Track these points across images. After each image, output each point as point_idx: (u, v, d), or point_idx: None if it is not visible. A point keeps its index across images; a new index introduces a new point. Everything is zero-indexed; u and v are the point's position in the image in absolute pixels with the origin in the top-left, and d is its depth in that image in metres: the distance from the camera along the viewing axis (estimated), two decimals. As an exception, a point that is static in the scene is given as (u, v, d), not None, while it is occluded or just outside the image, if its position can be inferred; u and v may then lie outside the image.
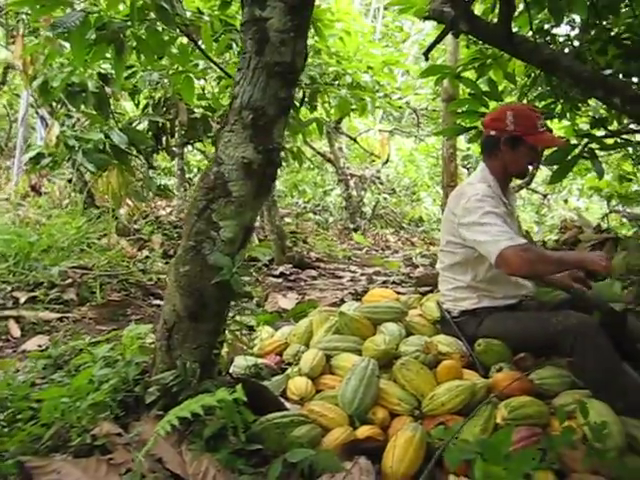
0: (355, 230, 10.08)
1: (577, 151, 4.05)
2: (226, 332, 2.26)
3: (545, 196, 11.57)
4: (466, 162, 10.60)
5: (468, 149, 10.22)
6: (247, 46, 1.98)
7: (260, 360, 2.67)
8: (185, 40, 4.68)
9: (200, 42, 4.65)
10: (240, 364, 2.54)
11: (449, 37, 6.63)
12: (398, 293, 3.67)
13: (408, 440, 1.98)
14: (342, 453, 1.99)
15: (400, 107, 8.18)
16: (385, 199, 11.73)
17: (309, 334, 2.86)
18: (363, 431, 2.12)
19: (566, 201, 11.65)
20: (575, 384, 2.39)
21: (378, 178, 11.21)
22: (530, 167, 2.77)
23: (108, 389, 2.08)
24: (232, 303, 2.21)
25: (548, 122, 5.96)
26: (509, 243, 2.33)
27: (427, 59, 4.18)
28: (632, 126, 5.16)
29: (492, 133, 2.72)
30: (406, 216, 12.06)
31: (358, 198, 10.52)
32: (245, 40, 2.00)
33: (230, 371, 2.48)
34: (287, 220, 9.92)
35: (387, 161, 11.41)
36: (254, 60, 1.96)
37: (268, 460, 1.90)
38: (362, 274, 5.56)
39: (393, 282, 4.75)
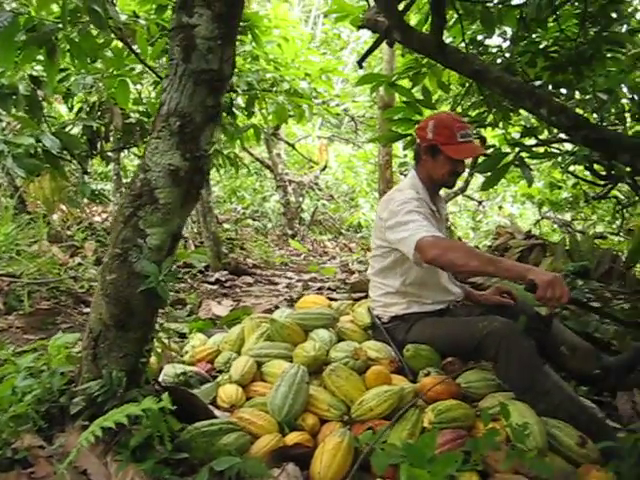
0: (293, 236, 10.08)
1: (509, 159, 4.17)
2: (154, 340, 2.23)
3: (480, 203, 11.81)
4: (403, 169, 10.70)
5: (405, 156, 10.36)
6: (174, 53, 1.97)
7: (191, 368, 2.65)
8: (121, 44, 4.61)
9: (135, 46, 4.59)
10: (170, 372, 2.52)
11: (385, 46, 6.75)
12: (332, 299, 3.69)
13: (336, 446, 2.00)
14: (270, 460, 2.00)
15: (338, 114, 8.23)
16: (324, 205, 11.77)
17: (241, 341, 2.86)
18: (292, 438, 2.13)
19: (500, 207, 11.92)
20: (501, 387, 2.45)
21: (316, 184, 11.23)
22: (454, 176, 2.79)
23: (31, 400, 2.03)
24: (161, 311, 2.20)
25: (482, 130, 6.13)
26: (425, 234, 2.36)
27: (361, 67, 4.23)
28: (561, 135, 5.32)
29: (417, 141, 2.81)
30: (345, 222, 12.12)
31: (296, 204, 10.52)
32: (172, 47, 1.99)
33: (159, 379, 2.46)
34: (226, 226, 9.85)
35: (325, 167, 11.46)
36: (181, 67, 1.95)
37: (195, 469, 1.89)
38: (298, 280, 5.57)
39: (329, 288, 4.78)
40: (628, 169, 4.25)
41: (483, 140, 5.82)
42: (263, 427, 2.16)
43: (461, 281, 3.26)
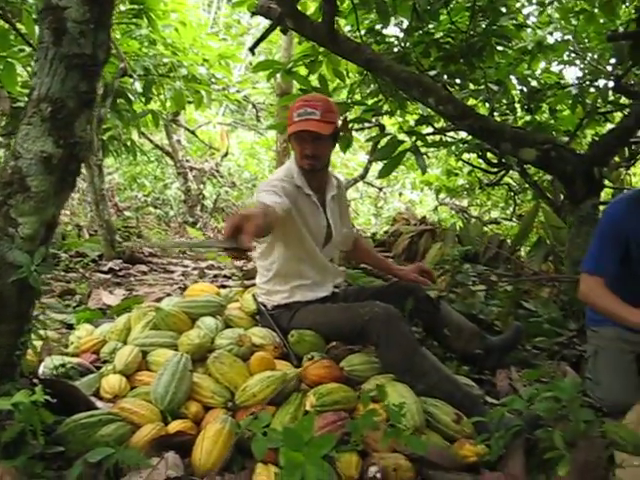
0: (195, 224, 9.98)
1: (405, 147, 4.28)
2: (31, 333, 2.17)
3: (381, 189, 12.04)
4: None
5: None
6: (44, 36, 1.91)
7: (75, 359, 2.59)
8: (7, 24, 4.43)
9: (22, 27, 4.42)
10: (50, 365, 2.45)
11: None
12: (226, 287, 3.69)
13: (217, 432, 2.01)
14: (151, 449, 1.98)
15: (237, 101, 8.17)
16: (226, 192, 11.68)
17: (127, 331, 2.81)
18: (174, 426, 2.12)
19: (401, 194, 12.21)
20: (383, 369, 2.54)
21: (218, 171, 11.13)
22: (306, 159, 2.71)
23: None
24: (44, 301, 2.14)
25: (380, 118, 6.23)
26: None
27: (253, 54, 4.23)
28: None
29: None
30: (248, 209, 12.03)
31: (198, 191, 10.40)
32: (42, 29, 1.92)
33: (39, 372, 2.39)
34: (127, 214, 9.64)
35: (226, 154, 11.37)
36: (51, 50, 1.89)
37: (72, 463, 1.85)
38: (195, 268, 5.52)
39: (224, 276, 4.77)
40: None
41: (382, 128, 5.94)
42: (145, 417, 2.14)
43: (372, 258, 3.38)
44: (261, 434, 1.92)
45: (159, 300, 3.37)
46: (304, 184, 2.77)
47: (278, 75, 5.13)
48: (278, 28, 4.27)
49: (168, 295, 3.66)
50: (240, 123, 12.49)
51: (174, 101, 6.54)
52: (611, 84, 5.06)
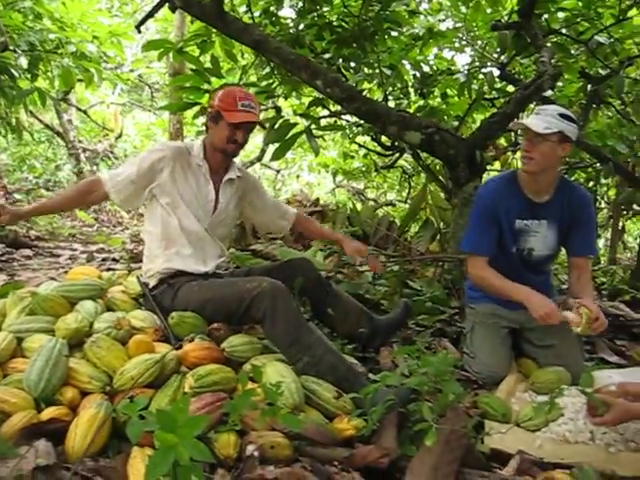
0: (87, 207, 9.64)
1: (298, 130, 4.29)
2: None
3: (278, 172, 12.05)
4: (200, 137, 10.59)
5: (202, 125, 10.20)
6: None
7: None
8: None
9: None
10: None
11: (177, 12, 6.59)
12: (113, 270, 3.61)
13: (92, 417, 1.97)
14: (22, 438, 1.92)
15: (129, 80, 7.95)
16: (122, 174, 11.35)
17: (2, 317, 2.70)
18: (47, 413, 2.06)
19: (298, 176, 12.26)
20: (266, 349, 2.57)
21: (112, 152, 10.82)
22: (233, 144, 2.86)
23: None
24: None
25: (276, 101, 6.23)
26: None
27: (139, 31, 4.12)
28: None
29: (208, 110, 2.90)
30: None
31: (91, 173, 10.07)
32: None
33: None
34: (17, 197, 9.24)
35: (120, 135, 11.06)
36: None
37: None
38: (83, 252, 5.36)
39: (113, 259, 4.66)
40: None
41: (278, 110, 5.94)
42: (17, 405, 2.06)
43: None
44: (137, 417, 1.89)
45: (40, 285, 3.25)
46: (200, 156, 2.89)
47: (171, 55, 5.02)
48: (167, 5, 4.17)
49: (52, 280, 3.53)
50: (135, 103, 12.16)
51: (62, 79, 6.31)
52: (497, 72, 5.25)
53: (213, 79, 4.74)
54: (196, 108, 4.72)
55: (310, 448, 2.04)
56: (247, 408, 2.01)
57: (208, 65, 4.80)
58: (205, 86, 4.55)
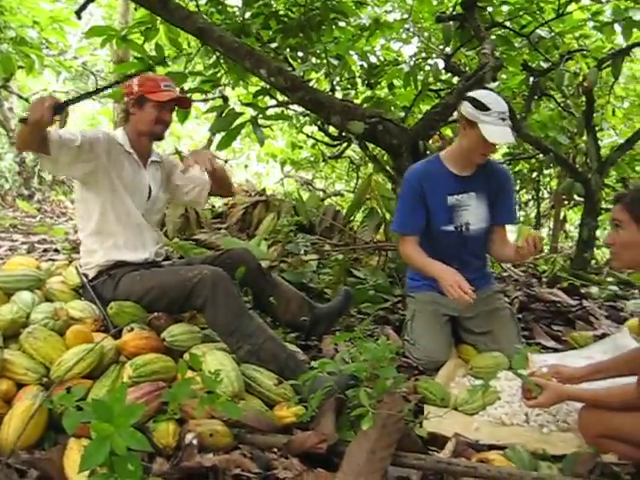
0: (30, 197, 9.46)
1: (244, 119, 4.27)
2: None
3: (226, 161, 11.94)
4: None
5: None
6: None
7: None
8: None
9: None
10: None
11: (121, -2, 6.50)
12: (53, 261, 3.55)
13: (26, 409, 1.95)
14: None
15: (72, 67, 7.78)
16: (66, 164, 11.08)
17: (-64, 309, 2.63)
18: (-19, 405, 2.03)
19: (246, 166, 12.20)
20: (207, 338, 2.57)
21: (55, 142, 10.52)
22: (161, 125, 2.86)
23: None
24: None
25: (223, 90, 6.18)
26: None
27: (79, 17, 4.02)
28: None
29: (125, 99, 2.86)
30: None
31: (34, 163, 9.83)
32: None
33: None
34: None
35: (65, 124, 10.76)
36: None
37: None
38: (24, 243, 5.23)
39: (55, 250, 4.58)
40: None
41: (225, 99, 5.89)
42: (-53, 400, 2.03)
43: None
44: (74, 408, 1.88)
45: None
46: (126, 144, 2.84)
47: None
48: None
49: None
50: (80, 92, 11.87)
51: (2, 65, 6.12)
52: (442, 63, 5.32)
53: (158, 67, 4.69)
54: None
55: (249, 435, 2.06)
56: (186, 397, 2.01)
57: (153, 53, 4.75)
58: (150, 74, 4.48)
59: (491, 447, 2.15)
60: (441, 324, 3.03)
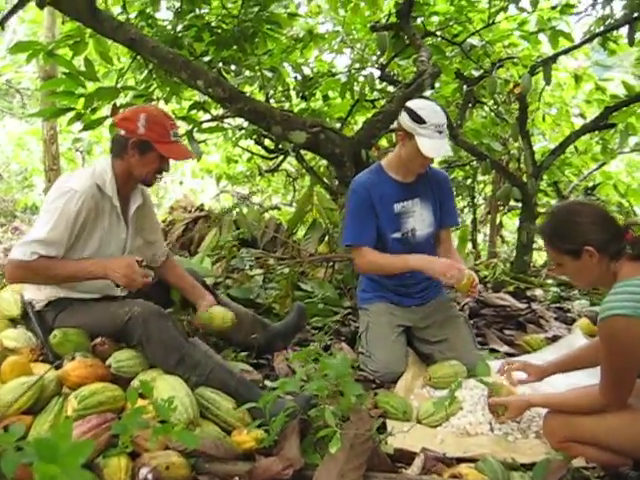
0: (-45, 222, 9.03)
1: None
2: None
3: (161, 178, 11.67)
4: (79, 145, 10.09)
5: (80, 132, 9.72)
6: None
7: None
8: None
9: None
10: None
11: (47, 11, 6.24)
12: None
13: (-43, 452, 1.77)
14: None
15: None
16: (-7, 186, 10.72)
17: None
18: None
19: (181, 182, 11.96)
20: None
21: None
22: (159, 175, 2.63)
23: None
24: None
25: (156, 104, 6.02)
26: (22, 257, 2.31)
27: (3, 29, 3.81)
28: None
29: (122, 133, 2.54)
30: (18, 204, 11.13)
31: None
32: None
33: None
34: None
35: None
36: None
37: None
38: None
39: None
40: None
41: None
42: None
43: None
44: (13, 449, 1.72)
45: None
46: (114, 194, 2.56)
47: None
48: (35, 2, 3.89)
49: None
50: (5, 111, 11.48)
51: None
52: (377, 73, 5.33)
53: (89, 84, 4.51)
54: (70, 114, 4.45)
55: (208, 465, 1.94)
56: (138, 428, 1.88)
57: (82, 68, 4.56)
58: (80, 90, 4.30)
59: (460, 460, 2.09)
60: (396, 335, 2.97)
